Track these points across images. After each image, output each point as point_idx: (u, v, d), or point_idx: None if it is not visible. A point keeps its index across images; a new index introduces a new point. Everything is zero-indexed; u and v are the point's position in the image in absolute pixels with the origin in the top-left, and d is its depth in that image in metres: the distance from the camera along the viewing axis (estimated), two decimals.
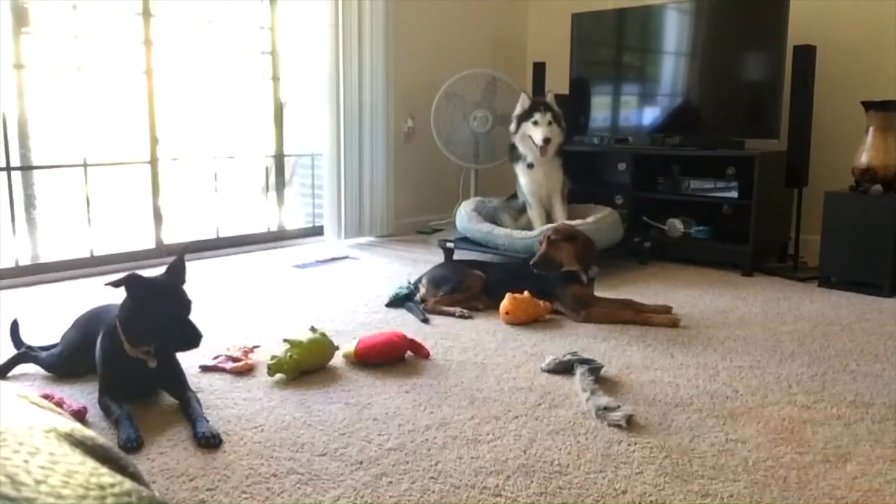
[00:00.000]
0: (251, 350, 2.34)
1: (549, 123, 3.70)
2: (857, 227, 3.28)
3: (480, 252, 3.75)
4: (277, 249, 4.24)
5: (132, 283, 1.84)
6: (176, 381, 1.96)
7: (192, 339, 1.84)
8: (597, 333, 2.64)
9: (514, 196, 3.99)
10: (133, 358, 1.90)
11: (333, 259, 3.96)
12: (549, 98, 3.79)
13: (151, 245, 3.81)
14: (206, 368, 2.21)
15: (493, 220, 3.88)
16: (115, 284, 1.82)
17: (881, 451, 1.71)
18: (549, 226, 3.27)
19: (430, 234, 4.75)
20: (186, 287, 1.93)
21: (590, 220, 3.62)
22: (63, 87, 3.52)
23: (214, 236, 4.14)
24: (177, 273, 1.94)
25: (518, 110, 3.79)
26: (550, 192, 3.83)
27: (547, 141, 3.67)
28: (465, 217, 3.88)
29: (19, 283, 3.29)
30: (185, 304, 1.89)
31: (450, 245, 3.86)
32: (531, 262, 2.87)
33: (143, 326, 1.87)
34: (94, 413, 1.87)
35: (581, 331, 2.68)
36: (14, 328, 2.26)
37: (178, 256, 1.96)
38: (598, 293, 2.97)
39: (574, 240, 2.88)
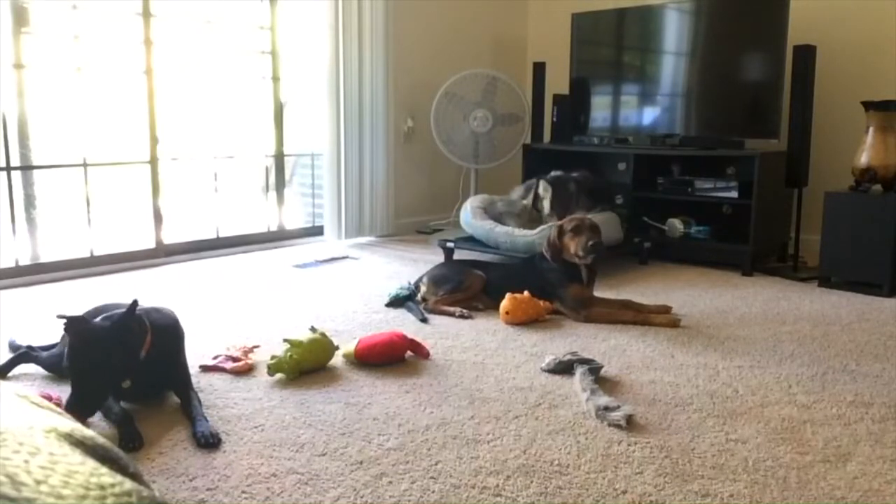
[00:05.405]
0: (251, 350, 2.34)
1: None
2: (857, 227, 3.28)
3: (481, 252, 3.74)
4: (277, 249, 4.24)
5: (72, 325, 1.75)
6: (180, 378, 1.96)
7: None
8: (597, 333, 2.64)
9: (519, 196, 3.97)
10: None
11: (333, 259, 3.96)
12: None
13: (151, 245, 3.81)
14: (206, 368, 2.21)
15: (499, 219, 3.85)
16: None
17: (881, 451, 1.71)
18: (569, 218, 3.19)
19: (430, 234, 4.74)
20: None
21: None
22: (63, 87, 3.51)
23: (214, 236, 4.14)
24: (117, 328, 1.75)
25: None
26: None
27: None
28: (470, 212, 3.86)
29: (19, 283, 3.29)
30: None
31: (450, 245, 3.86)
32: (545, 252, 2.91)
33: None
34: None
35: (581, 331, 2.68)
36: (12, 345, 2.29)
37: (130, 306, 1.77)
38: (598, 293, 2.97)
39: (582, 231, 2.87)
